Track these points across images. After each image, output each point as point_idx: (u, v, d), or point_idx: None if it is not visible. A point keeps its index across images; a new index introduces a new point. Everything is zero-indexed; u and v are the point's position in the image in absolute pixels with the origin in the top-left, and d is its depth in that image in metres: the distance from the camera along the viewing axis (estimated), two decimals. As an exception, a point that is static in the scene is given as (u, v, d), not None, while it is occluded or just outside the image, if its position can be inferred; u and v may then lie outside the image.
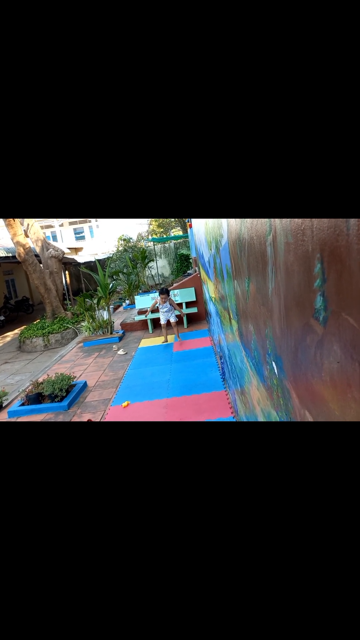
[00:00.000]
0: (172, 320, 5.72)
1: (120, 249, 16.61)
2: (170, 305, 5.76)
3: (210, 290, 4.22)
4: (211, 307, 4.47)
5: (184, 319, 6.74)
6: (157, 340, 6.11)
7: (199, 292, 6.90)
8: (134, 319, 7.42)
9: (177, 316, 5.90)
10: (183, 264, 13.36)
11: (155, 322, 7.19)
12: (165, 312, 5.77)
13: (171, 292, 7.17)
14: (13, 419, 3.90)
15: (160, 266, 14.99)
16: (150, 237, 18.64)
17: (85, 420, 3.51)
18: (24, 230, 9.03)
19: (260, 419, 1.60)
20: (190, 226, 7.95)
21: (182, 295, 6.90)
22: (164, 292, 5.76)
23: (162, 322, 5.83)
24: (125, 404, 3.75)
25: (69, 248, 20.45)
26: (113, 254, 15.86)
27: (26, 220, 9.19)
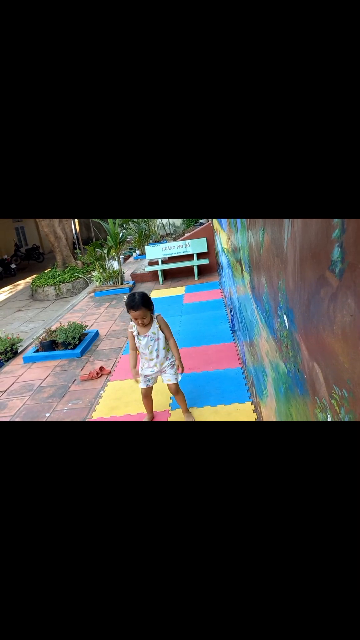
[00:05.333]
0: (171, 380, 2.46)
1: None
2: (161, 331, 2.35)
3: (222, 241, 4.12)
4: (223, 259, 4.39)
5: (195, 271, 6.62)
6: (167, 292, 6.11)
7: (211, 243, 6.74)
8: (144, 269, 7.37)
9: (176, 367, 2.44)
10: (195, 213, 12.89)
11: (166, 274, 7.12)
12: (152, 354, 2.37)
13: (182, 243, 6.88)
14: (28, 364, 4.07)
15: (172, 215, 14.52)
16: (161, 184, 17.81)
17: (98, 367, 3.64)
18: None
19: (268, 370, 1.64)
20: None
21: (193, 246, 6.75)
22: (136, 307, 2.19)
23: (142, 385, 2.49)
24: (135, 353, 3.84)
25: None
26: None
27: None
